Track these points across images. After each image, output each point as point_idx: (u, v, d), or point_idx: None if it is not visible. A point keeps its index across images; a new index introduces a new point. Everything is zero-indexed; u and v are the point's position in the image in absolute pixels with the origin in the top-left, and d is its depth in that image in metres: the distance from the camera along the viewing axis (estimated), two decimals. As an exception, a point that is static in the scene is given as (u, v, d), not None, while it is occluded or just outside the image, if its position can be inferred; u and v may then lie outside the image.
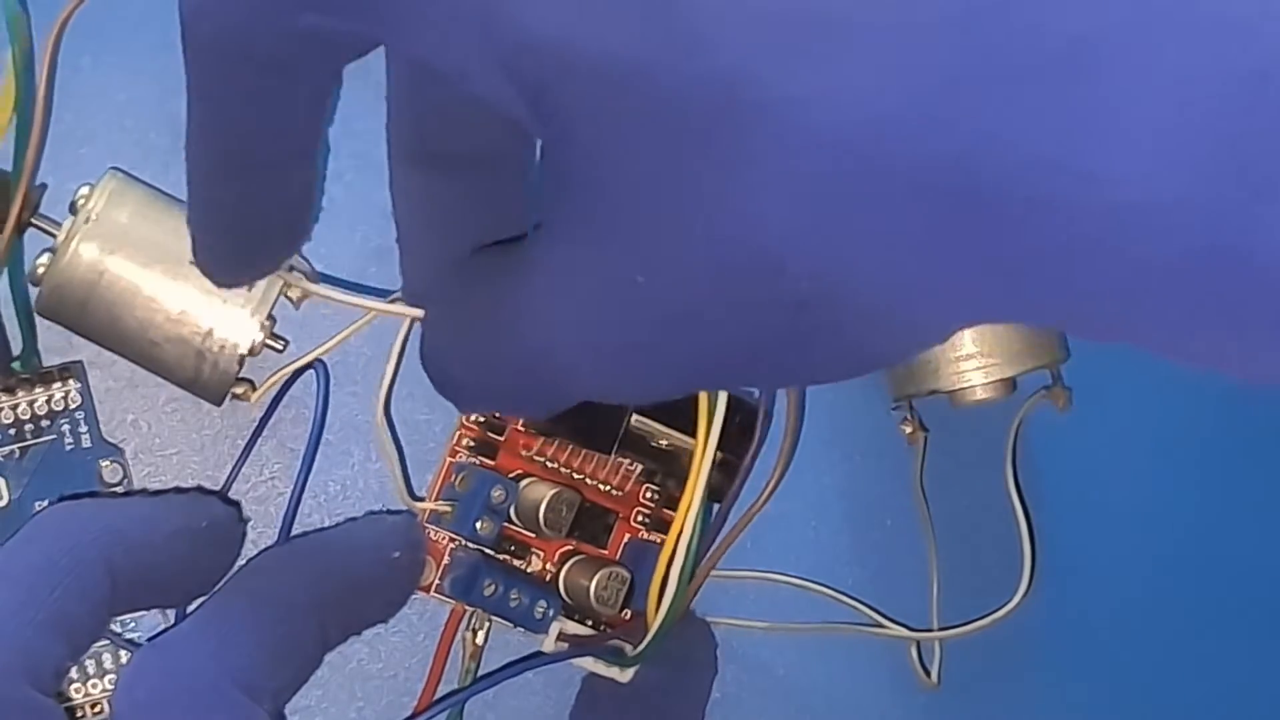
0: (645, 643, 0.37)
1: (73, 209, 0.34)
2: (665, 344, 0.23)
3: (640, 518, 0.39)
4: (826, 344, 0.22)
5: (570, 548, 0.38)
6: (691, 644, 0.40)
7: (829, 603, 0.42)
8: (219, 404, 0.36)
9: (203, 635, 0.31)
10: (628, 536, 0.39)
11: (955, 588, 0.42)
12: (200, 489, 0.37)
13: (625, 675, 0.37)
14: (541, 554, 0.38)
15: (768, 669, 0.42)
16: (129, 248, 0.34)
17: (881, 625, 0.42)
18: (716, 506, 0.37)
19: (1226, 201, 0.17)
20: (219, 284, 0.31)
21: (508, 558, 0.38)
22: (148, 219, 0.34)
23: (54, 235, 0.34)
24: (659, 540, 0.39)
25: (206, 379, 0.35)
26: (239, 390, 0.36)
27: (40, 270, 0.34)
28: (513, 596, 0.37)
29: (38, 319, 0.35)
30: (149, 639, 0.31)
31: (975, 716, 0.43)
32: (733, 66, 0.19)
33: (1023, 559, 0.41)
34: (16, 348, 0.36)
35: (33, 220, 0.34)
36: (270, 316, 0.35)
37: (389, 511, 0.38)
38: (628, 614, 0.38)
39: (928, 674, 0.42)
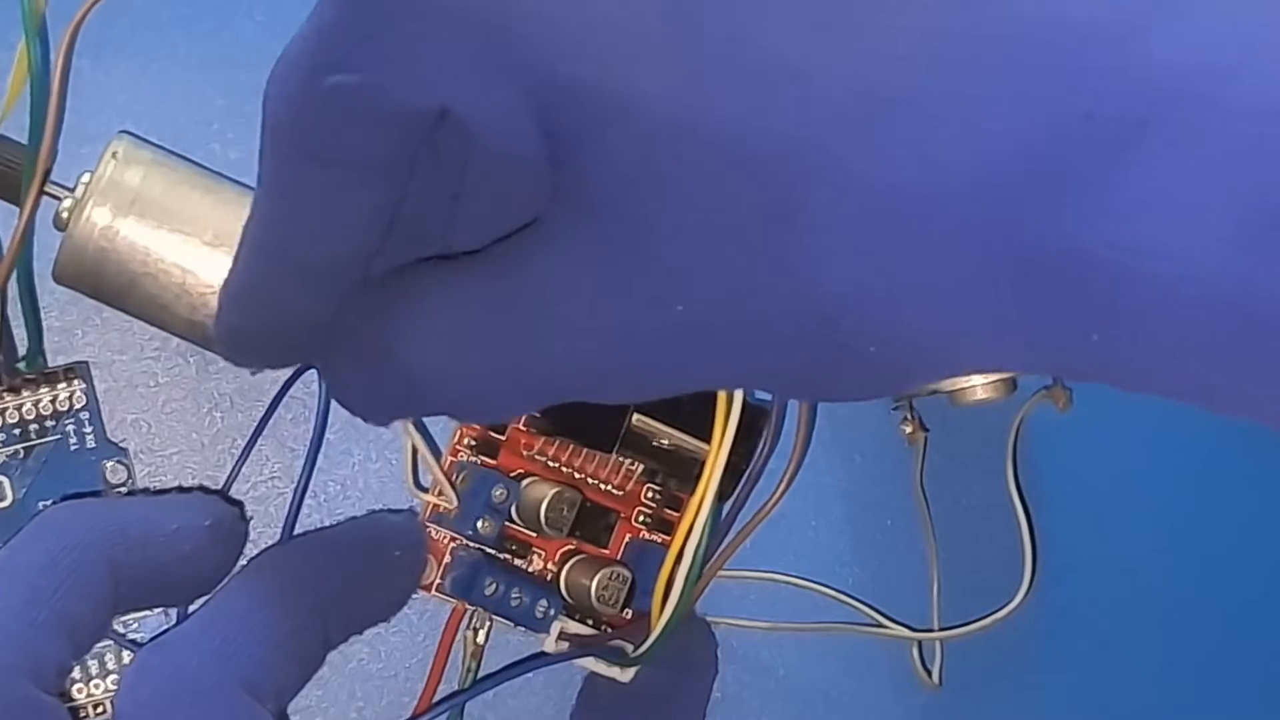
0: (648, 645, 0.37)
1: (77, 187, 0.34)
2: (683, 367, 0.23)
3: (641, 517, 0.39)
4: (851, 377, 0.23)
5: (571, 547, 0.38)
6: (692, 644, 0.40)
7: (829, 603, 0.42)
8: None
9: (205, 635, 0.31)
10: (629, 536, 0.39)
11: (956, 588, 0.42)
12: (202, 488, 0.37)
13: (626, 675, 0.38)
14: (542, 553, 0.38)
15: (768, 669, 0.42)
16: (141, 209, 0.34)
17: (882, 625, 0.42)
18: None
19: (1261, 275, 0.18)
20: (225, 356, 0.29)
21: (509, 557, 0.38)
22: (159, 179, 0.34)
23: (69, 197, 0.34)
24: (660, 540, 0.39)
25: None
26: None
27: (65, 215, 0.33)
28: (514, 596, 0.37)
29: (44, 320, 0.36)
30: (151, 639, 0.31)
31: (977, 717, 0.43)
32: (799, 132, 0.20)
33: (1023, 559, 0.41)
34: (23, 348, 0.36)
35: (45, 189, 0.34)
36: None
37: (390, 510, 0.38)
38: (629, 614, 0.38)
39: (929, 674, 0.42)
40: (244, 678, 0.30)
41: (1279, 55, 0.18)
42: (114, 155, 0.34)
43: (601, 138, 0.21)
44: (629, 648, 0.37)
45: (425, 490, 0.37)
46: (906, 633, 0.42)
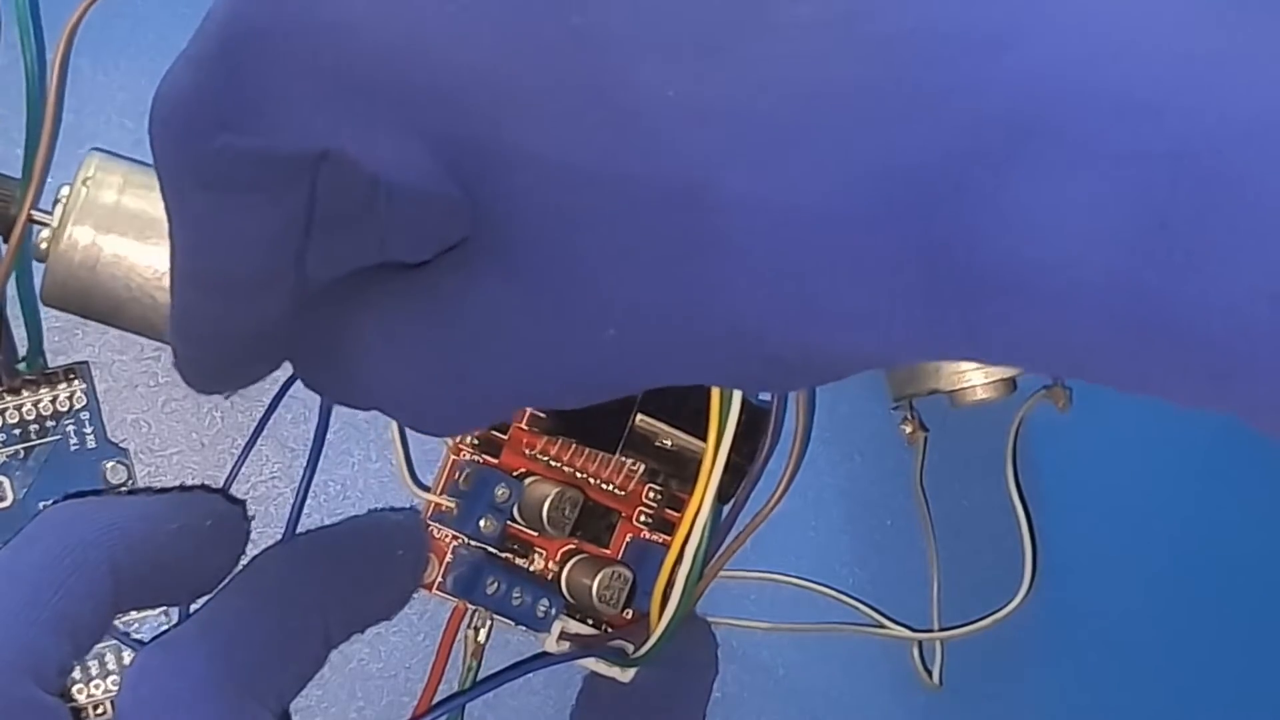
0: (648, 645, 0.37)
1: (54, 208, 0.34)
2: (624, 378, 0.24)
3: (643, 517, 0.39)
4: (786, 378, 0.23)
5: (573, 547, 0.38)
6: (692, 644, 0.40)
7: (829, 603, 0.42)
8: None
9: (206, 635, 0.31)
10: (630, 536, 0.39)
11: (956, 588, 0.42)
12: (204, 487, 0.37)
13: (626, 675, 0.38)
14: (544, 553, 0.38)
15: (768, 669, 0.42)
16: (122, 224, 0.33)
17: (883, 625, 0.42)
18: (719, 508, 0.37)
19: (1152, 276, 0.18)
20: (195, 390, 0.29)
21: (510, 556, 0.38)
22: (136, 193, 0.34)
23: (47, 225, 0.34)
24: (661, 540, 0.39)
25: None
26: None
27: (44, 245, 0.34)
28: (515, 595, 0.37)
29: (44, 320, 0.35)
30: (152, 639, 0.31)
31: (977, 717, 0.43)
32: (692, 168, 0.20)
33: (1023, 559, 0.41)
34: (23, 348, 0.36)
35: (31, 215, 0.34)
36: None
37: (391, 509, 0.38)
38: (629, 614, 0.38)
39: (929, 674, 0.42)
40: (245, 678, 0.30)
41: (1153, 53, 0.18)
42: (85, 180, 0.34)
43: (507, 184, 0.22)
44: (629, 648, 0.37)
45: (424, 489, 0.37)
46: (906, 633, 0.42)
